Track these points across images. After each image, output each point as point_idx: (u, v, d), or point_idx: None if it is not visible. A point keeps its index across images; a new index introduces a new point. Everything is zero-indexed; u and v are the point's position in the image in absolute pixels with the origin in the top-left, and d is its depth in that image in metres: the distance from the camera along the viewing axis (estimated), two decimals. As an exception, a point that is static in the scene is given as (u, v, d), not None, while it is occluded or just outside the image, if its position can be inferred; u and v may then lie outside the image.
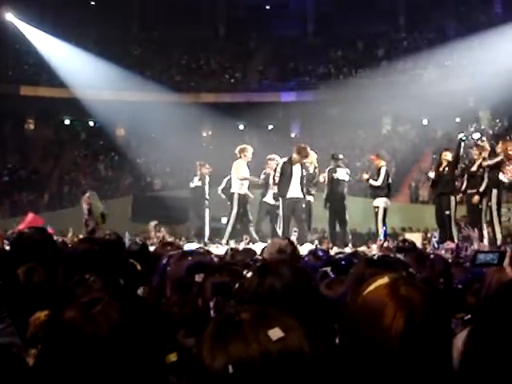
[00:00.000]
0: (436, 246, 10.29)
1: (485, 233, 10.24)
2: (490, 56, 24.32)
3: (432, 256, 3.24)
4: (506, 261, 2.29)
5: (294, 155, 10.62)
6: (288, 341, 1.14)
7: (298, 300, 1.79)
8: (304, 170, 10.73)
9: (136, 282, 2.96)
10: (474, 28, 27.06)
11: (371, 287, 1.46)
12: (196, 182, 12.82)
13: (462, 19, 28.83)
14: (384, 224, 11.36)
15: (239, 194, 11.07)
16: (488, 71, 23.08)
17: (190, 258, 2.69)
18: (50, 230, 10.13)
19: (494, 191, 9.90)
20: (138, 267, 3.38)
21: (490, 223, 10.05)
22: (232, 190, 11.20)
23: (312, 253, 4.24)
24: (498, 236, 9.84)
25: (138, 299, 1.45)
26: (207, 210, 12.75)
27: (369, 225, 15.90)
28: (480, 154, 10.46)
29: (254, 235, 11.17)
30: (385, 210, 11.35)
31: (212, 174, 13.16)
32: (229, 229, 11.11)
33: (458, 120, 25.98)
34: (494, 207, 9.88)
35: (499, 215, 10.01)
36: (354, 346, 1.44)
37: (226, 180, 12.60)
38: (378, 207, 11.35)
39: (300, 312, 1.65)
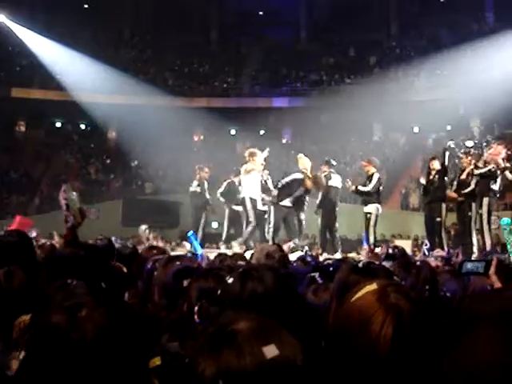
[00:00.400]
0: (426, 253, 10.31)
1: (474, 240, 10.29)
2: (481, 65, 24.48)
3: (419, 263, 3.25)
4: (492, 269, 2.30)
5: (309, 183, 10.68)
6: (282, 359, 1.11)
7: (279, 305, 1.78)
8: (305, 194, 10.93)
9: (122, 286, 2.95)
10: (466, 37, 27.25)
11: (359, 294, 1.44)
12: (195, 187, 12.78)
13: (453, 28, 29.00)
14: (374, 231, 11.37)
15: (251, 199, 10.91)
16: (479, 80, 23.19)
17: (177, 263, 2.68)
18: (34, 233, 10.04)
19: (485, 199, 9.94)
20: (125, 270, 3.37)
21: (480, 231, 10.09)
22: (243, 195, 11.06)
23: (301, 258, 4.25)
24: (488, 244, 9.87)
25: (122, 304, 1.45)
26: (204, 215, 12.72)
27: (359, 231, 15.93)
28: (470, 162, 10.51)
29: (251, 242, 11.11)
30: (376, 217, 11.36)
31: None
32: (249, 229, 10.85)
33: (448, 128, 26.10)
34: (485, 215, 9.92)
35: (489, 223, 10.05)
36: (341, 352, 1.42)
37: (225, 184, 12.63)
38: (370, 213, 11.33)
39: (282, 317, 1.64)
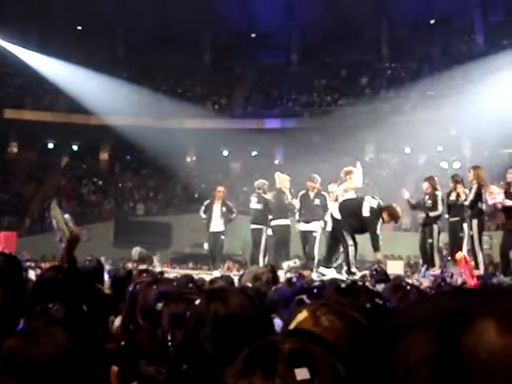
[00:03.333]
0: (423, 274, 10.33)
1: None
2: (472, 86, 24.72)
3: (408, 287, 3.23)
4: None
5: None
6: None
7: (243, 326, 1.79)
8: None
9: (106, 309, 2.91)
10: (457, 58, 27.55)
11: (294, 324, 1.45)
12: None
13: (444, 50, 29.29)
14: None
15: None
16: (470, 101, 23.39)
17: (157, 286, 2.67)
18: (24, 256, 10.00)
19: (475, 221, 9.96)
20: (107, 292, 3.34)
21: (473, 252, 10.07)
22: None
23: (287, 280, 4.23)
24: (481, 265, 9.86)
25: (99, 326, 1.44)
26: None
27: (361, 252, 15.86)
28: (456, 183, 10.55)
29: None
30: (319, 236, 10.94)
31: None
32: (352, 256, 10.00)
33: (440, 149, 26.25)
34: (476, 236, 9.91)
35: (481, 244, 10.03)
36: None
37: (205, 204, 12.45)
38: (315, 231, 10.88)
39: (246, 338, 1.63)
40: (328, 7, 29.75)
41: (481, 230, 10.02)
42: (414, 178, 23.80)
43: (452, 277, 8.83)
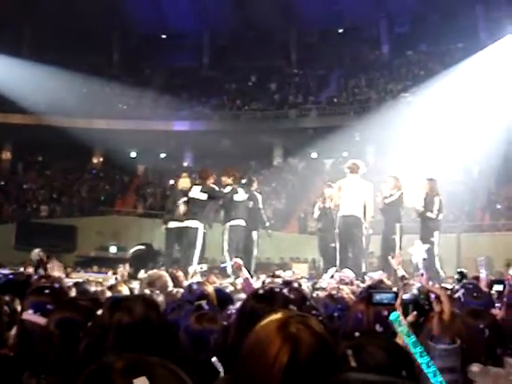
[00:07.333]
0: (331, 275, 10.41)
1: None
2: (377, 94, 25.54)
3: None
4: (398, 301, 2.38)
5: None
6: None
7: (146, 334, 1.78)
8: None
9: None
10: (364, 67, 28.43)
11: (263, 322, 1.46)
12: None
13: (352, 58, 30.10)
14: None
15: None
16: (374, 109, 24.17)
17: (40, 295, 2.60)
18: None
19: (397, 225, 10.22)
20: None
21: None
22: (372, 215, 9.87)
23: (188, 286, 4.22)
24: (401, 270, 10.04)
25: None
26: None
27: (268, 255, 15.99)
28: None
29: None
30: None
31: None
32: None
33: (345, 154, 26.92)
34: (397, 239, 10.17)
35: (401, 247, 10.23)
36: (240, 378, 1.43)
37: None
38: (197, 228, 10.26)
39: (150, 346, 1.63)
40: (238, 11, 29.94)
41: (402, 233, 10.29)
42: (320, 182, 24.30)
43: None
